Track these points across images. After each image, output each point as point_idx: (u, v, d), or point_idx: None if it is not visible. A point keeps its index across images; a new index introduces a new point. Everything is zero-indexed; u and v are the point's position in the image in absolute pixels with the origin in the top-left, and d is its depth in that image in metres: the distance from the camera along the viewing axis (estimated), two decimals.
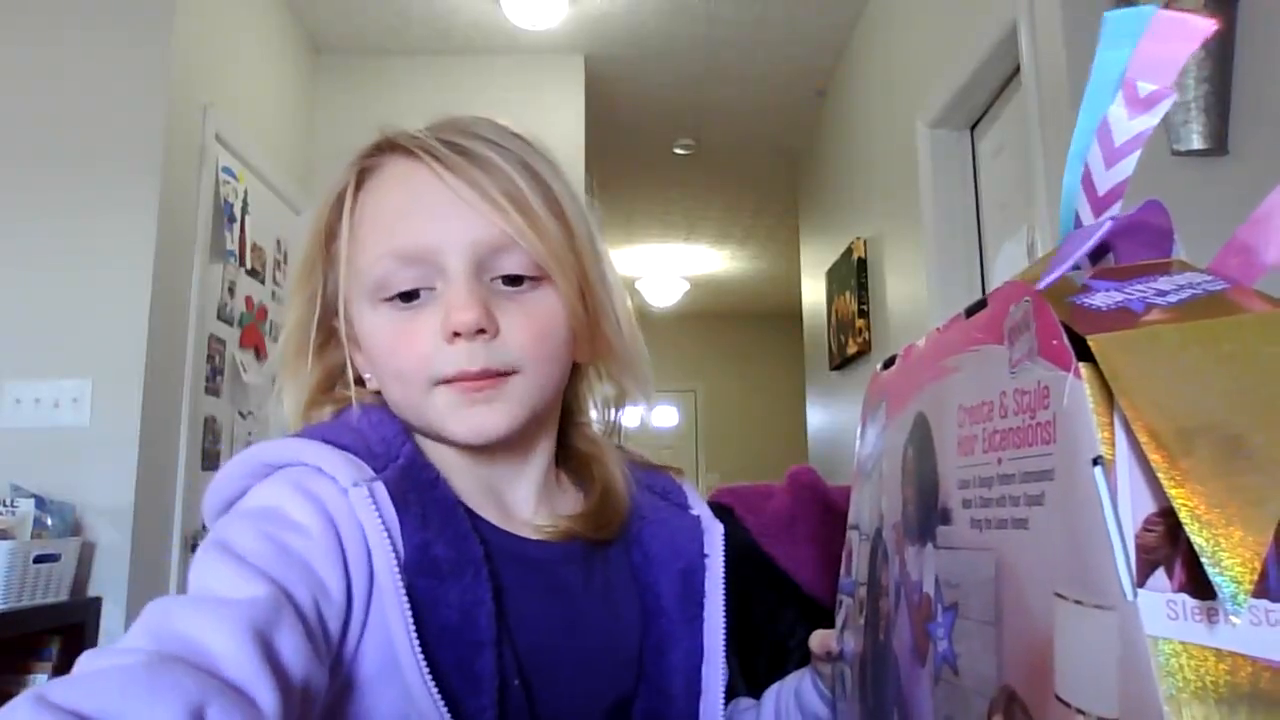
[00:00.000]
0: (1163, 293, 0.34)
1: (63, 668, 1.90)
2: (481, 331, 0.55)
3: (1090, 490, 0.30)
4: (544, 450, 0.64)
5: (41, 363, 2.19)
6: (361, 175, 0.61)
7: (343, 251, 0.59)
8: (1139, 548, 0.29)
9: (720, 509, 1.05)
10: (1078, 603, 0.31)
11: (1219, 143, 1.66)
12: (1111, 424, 0.30)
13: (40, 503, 1.98)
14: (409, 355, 0.57)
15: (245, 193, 2.81)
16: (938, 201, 2.57)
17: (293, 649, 0.44)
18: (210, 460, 2.58)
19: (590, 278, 0.62)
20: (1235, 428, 0.28)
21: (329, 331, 0.63)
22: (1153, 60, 0.39)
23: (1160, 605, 0.28)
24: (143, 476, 2.19)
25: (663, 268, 6.80)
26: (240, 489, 0.55)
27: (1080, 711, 0.30)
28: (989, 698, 0.37)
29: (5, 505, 1.94)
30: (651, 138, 4.52)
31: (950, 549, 0.42)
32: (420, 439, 0.61)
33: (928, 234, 2.57)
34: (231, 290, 2.74)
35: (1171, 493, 0.28)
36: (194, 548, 2.59)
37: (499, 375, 0.57)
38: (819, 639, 0.64)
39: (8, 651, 1.87)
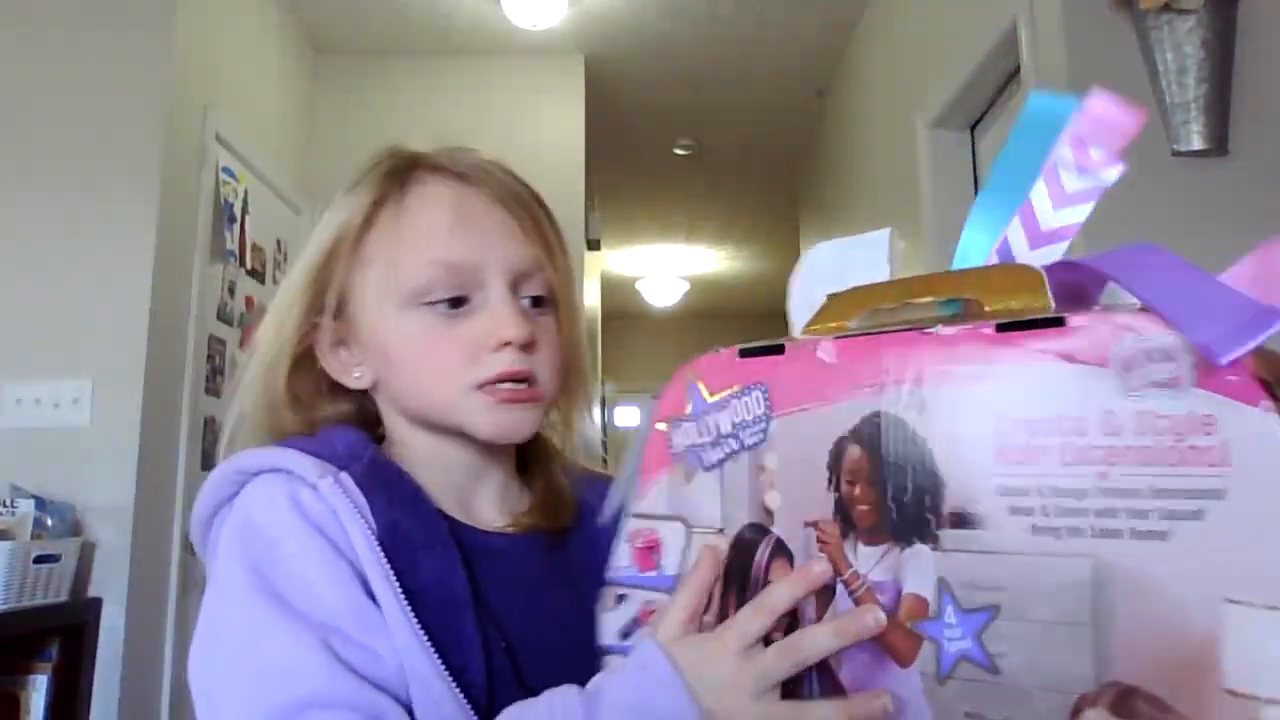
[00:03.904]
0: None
1: (63, 668, 1.91)
2: (529, 344, 0.62)
3: None
4: (511, 454, 0.70)
5: (41, 363, 2.19)
6: (403, 185, 0.65)
7: (380, 254, 0.63)
8: None
9: None
10: (1274, 608, 0.36)
11: (1219, 143, 1.66)
12: None
13: (40, 503, 1.98)
14: (450, 359, 0.62)
15: (245, 193, 2.81)
16: (938, 201, 2.57)
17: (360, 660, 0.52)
18: (210, 461, 2.58)
19: (577, 308, 0.70)
20: None
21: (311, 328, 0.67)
22: (1099, 131, 0.43)
23: None
24: (143, 477, 2.19)
25: (663, 268, 6.80)
26: (227, 495, 0.60)
27: (1273, 701, 0.35)
28: (1072, 692, 0.41)
29: (5, 506, 1.94)
30: (652, 138, 4.52)
31: (978, 553, 0.45)
32: (386, 445, 0.66)
33: (928, 234, 2.57)
34: (231, 290, 2.74)
35: None
36: (194, 549, 2.60)
37: (534, 383, 0.63)
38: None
39: (8, 652, 1.87)
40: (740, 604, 0.53)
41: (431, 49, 3.55)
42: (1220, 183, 1.68)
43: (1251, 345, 0.38)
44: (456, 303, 0.62)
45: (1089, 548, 0.41)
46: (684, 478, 0.58)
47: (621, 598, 0.59)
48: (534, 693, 0.56)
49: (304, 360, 0.65)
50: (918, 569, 0.47)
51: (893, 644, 0.47)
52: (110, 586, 2.10)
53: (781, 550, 0.53)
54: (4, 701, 1.86)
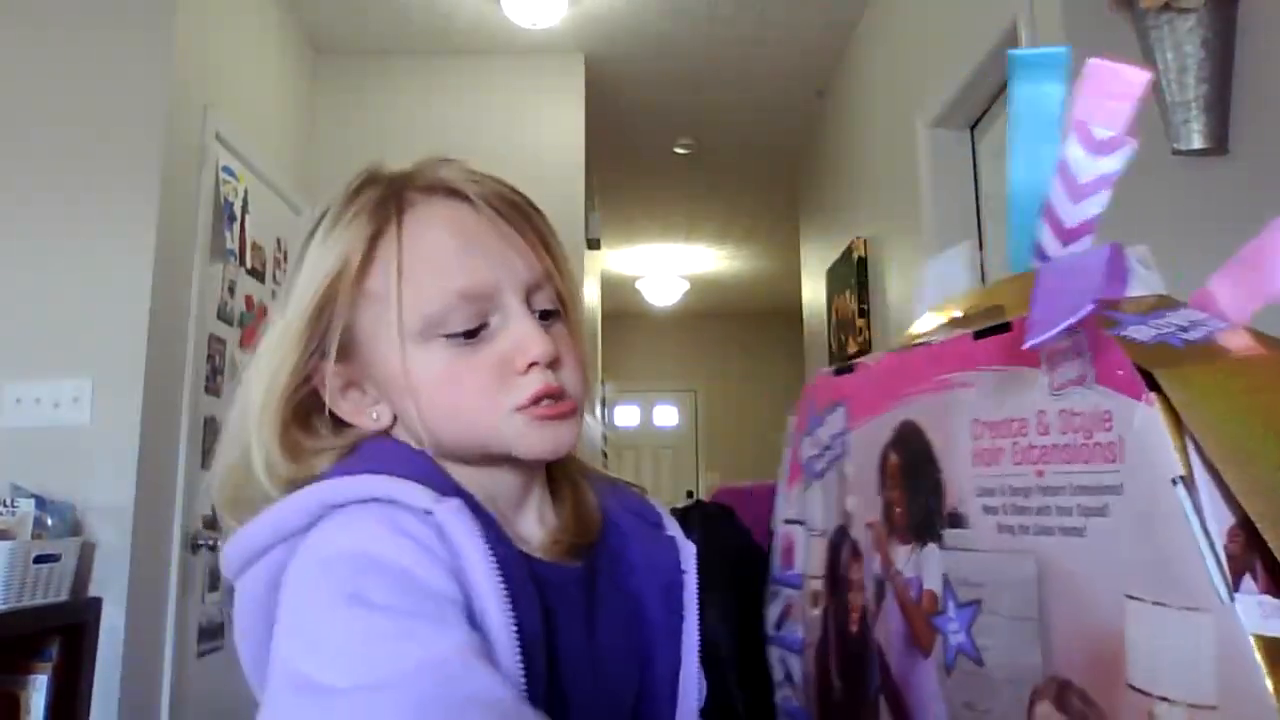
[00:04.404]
0: (1184, 329, 0.39)
1: (63, 668, 1.90)
2: (555, 360, 0.61)
3: (1172, 505, 0.35)
4: (544, 470, 0.68)
5: (41, 363, 2.19)
6: (399, 214, 0.61)
7: (388, 290, 0.59)
8: (1227, 557, 0.33)
9: (720, 509, 1.05)
10: (1159, 604, 0.35)
11: (1219, 143, 1.66)
12: (1183, 447, 0.35)
13: (40, 503, 1.98)
14: (481, 387, 0.60)
15: (245, 192, 2.81)
16: (938, 201, 2.57)
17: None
18: (210, 460, 2.58)
19: (583, 311, 0.70)
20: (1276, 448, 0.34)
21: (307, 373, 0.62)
22: (1101, 107, 0.43)
23: (1254, 606, 0.33)
24: (143, 476, 2.19)
25: (663, 267, 6.80)
26: (292, 528, 0.55)
27: (1164, 699, 0.35)
28: (1028, 685, 0.42)
29: (5, 505, 1.94)
30: (652, 137, 4.52)
31: (966, 550, 0.47)
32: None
33: (928, 233, 2.57)
34: (231, 290, 2.74)
35: (1246, 504, 0.33)
36: (194, 547, 2.60)
37: (566, 396, 0.62)
38: None
39: (8, 651, 1.87)
40: (835, 600, 0.60)
41: (431, 49, 3.54)
42: (1220, 182, 1.67)
43: (1049, 334, 0.39)
44: (471, 333, 0.60)
45: (1032, 545, 0.42)
46: (804, 486, 0.65)
47: (775, 593, 0.67)
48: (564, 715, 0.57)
49: (305, 403, 0.62)
50: (930, 566, 0.50)
51: (918, 635, 0.51)
52: (110, 586, 2.10)
53: (857, 551, 0.58)
54: (4, 701, 1.86)
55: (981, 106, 2.43)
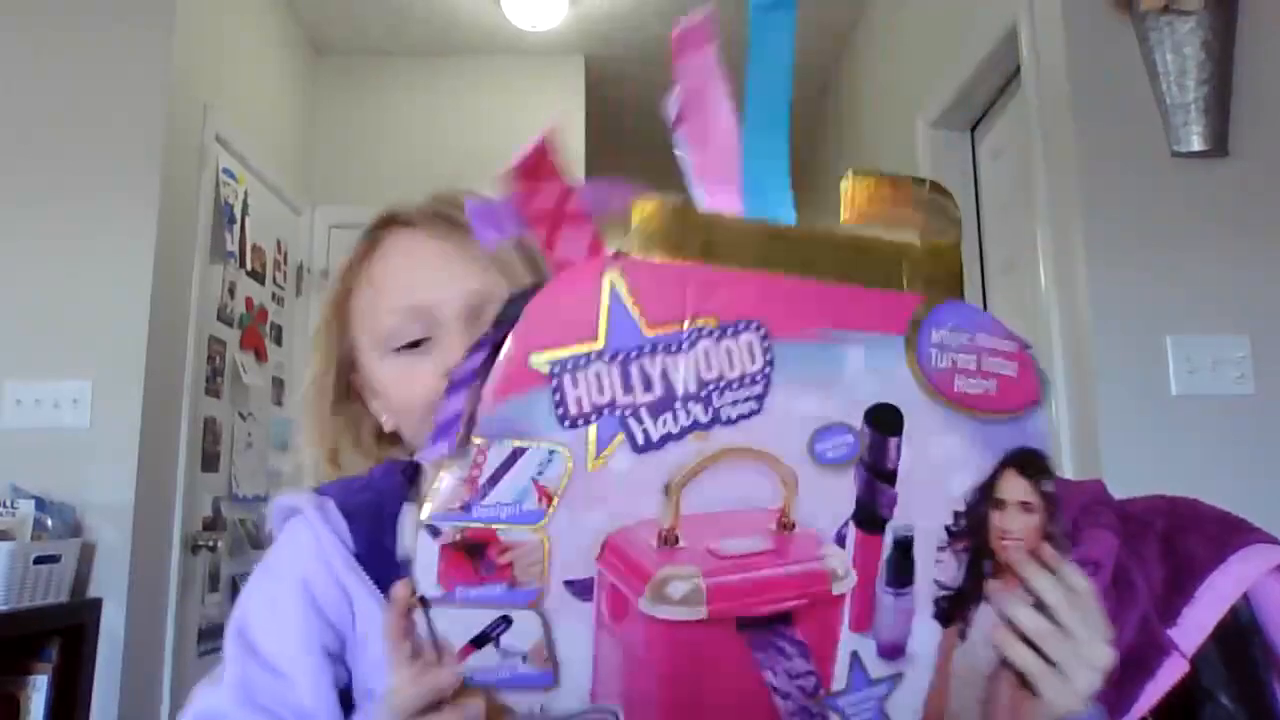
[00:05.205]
0: None
1: (63, 669, 1.90)
2: None
3: None
4: None
5: (41, 364, 2.19)
6: (372, 245, 0.72)
7: (360, 311, 0.71)
8: None
9: None
10: None
11: (1219, 144, 1.66)
12: None
13: (40, 504, 1.98)
14: (413, 395, 0.67)
15: (245, 193, 2.81)
16: None
17: None
18: (210, 462, 2.58)
19: None
20: None
21: (347, 385, 0.74)
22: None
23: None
24: (143, 478, 2.19)
25: None
26: (277, 525, 0.68)
27: None
28: None
29: (5, 506, 1.94)
30: (652, 139, 4.50)
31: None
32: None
33: None
34: (231, 291, 2.74)
35: None
36: (194, 548, 2.59)
37: None
38: None
39: (8, 652, 1.87)
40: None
41: (432, 50, 3.54)
42: (1220, 183, 1.68)
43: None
44: (418, 344, 0.67)
45: None
46: None
47: None
48: None
49: (354, 411, 0.73)
50: None
51: None
52: (110, 587, 2.10)
53: None
54: (4, 701, 1.85)
55: (982, 107, 2.43)
